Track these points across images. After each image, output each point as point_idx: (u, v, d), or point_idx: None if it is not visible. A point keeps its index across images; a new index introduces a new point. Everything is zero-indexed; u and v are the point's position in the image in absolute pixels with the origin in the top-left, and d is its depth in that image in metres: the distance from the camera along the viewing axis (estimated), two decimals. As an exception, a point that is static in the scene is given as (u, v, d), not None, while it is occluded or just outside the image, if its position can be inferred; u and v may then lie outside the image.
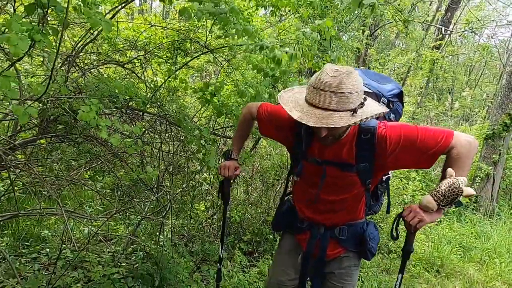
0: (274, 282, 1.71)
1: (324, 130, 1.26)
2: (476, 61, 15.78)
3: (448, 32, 7.30)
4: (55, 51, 1.37)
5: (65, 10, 1.24)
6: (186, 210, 3.91)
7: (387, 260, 3.86)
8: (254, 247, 3.60)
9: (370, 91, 1.52)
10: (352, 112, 1.19)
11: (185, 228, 3.60)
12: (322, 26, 2.63)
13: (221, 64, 3.31)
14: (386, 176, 1.62)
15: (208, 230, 3.78)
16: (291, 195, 1.73)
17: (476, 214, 5.71)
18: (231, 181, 1.81)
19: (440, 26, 7.35)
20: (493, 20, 10.16)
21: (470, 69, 17.59)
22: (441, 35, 7.52)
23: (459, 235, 4.85)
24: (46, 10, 1.27)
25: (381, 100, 1.52)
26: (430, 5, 12.83)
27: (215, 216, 3.96)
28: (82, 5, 1.38)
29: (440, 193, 1.22)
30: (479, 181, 6.08)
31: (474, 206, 5.94)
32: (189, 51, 3.39)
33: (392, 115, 1.58)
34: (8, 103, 1.59)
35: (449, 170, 1.24)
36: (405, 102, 7.64)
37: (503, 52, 10.16)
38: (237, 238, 3.62)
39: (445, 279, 3.78)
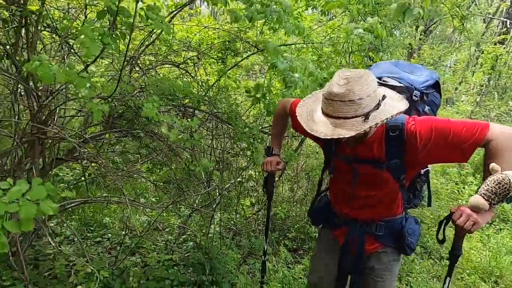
0: (315, 277, 1.74)
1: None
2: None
3: (514, 25, 6.72)
4: (123, 54, 1.52)
5: (133, 16, 1.37)
6: (233, 205, 4.05)
7: (438, 266, 3.69)
8: (299, 244, 3.63)
9: (400, 85, 1.49)
10: (364, 117, 1.20)
11: (232, 222, 3.74)
12: (374, 24, 2.59)
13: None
14: (425, 170, 1.59)
15: (254, 225, 3.88)
16: (328, 191, 1.75)
17: (543, 224, 5.22)
18: (275, 177, 1.86)
19: (505, 20, 6.78)
20: None
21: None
22: (505, 29, 6.93)
23: (522, 245, 4.48)
24: (115, 16, 1.41)
25: (414, 94, 1.48)
26: (493, -4, 11.85)
27: (260, 212, 4.05)
28: (146, 10, 1.51)
29: (490, 191, 1.15)
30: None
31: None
32: (239, 51, 3.50)
33: (427, 108, 1.53)
34: (84, 101, 1.78)
35: (494, 165, 1.17)
36: (463, 101, 7.17)
37: None
38: (281, 235, 3.67)
39: (504, 291, 3.53)
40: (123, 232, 3.03)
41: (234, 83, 3.14)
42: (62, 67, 1.42)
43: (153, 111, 1.62)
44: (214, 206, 2.74)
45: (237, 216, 4.00)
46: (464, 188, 5.04)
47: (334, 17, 4.04)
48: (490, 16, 9.02)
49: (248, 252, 3.24)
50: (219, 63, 3.53)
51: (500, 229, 4.93)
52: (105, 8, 1.52)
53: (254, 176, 4.19)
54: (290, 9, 2.33)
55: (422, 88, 1.51)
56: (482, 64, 6.76)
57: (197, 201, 3.20)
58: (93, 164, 3.08)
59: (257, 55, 3.99)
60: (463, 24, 4.13)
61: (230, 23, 4.10)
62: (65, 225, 3.01)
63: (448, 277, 1.46)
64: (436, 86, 1.57)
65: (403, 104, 1.30)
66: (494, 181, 1.15)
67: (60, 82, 1.37)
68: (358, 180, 1.46)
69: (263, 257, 1.97)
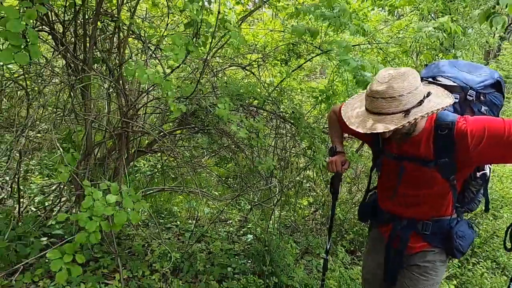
0: (368, 273, 1.77)
1: (385, 131, 1.28)
2: None
3: None
4: (204, 59, 1.70)
5: (215, 26, 1.55)
6: (291, 203, 4.15)
7: (503, 277, 3.40)
8: (357, 246, 3.60)
9: (454, 84, 1.46)
10: (405, 113, 1.22)
11: (290, 219, 3.84)
12: (446, 23, 2.50)
13: (332, 64, 3.41)
14: (481, 172, 1.51)
15: (311, 224, 3.94)
16: (376, 191, 1.76)
17: None
18: (341, 177, 1.89)
19: None
20: None
21: None
22: None
23: None
24: (199, 27, 1.60)
25: (468, 93, 1.44)
26: None
27: (317, 212, 4.09)
28: (224, 22, 1.69)
29: None
30: None
31: None
32: (302, 53, 3.59)
33: (483, 108, 1.47)
34: (165, 100, 2.01)
35: None
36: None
37: None
38: (339, 236, 3.68)
39: None
40: (191, 221, 3.31)
41: (297, 84, 3.23)
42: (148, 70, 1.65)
43: (226, 110, 1.79)
44: (274, 202, 2.86)
45: (295, 214, 4.09)
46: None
47: (401, 17, 3.93)
48: None
49: (306, 250, 3.32)
50: (283, 65, 3.65)
51: None
52: (191, 20, 1.73)
53: (312, 177, 4.24)
54: (346, 13, 2.35)
55: (478, 88, 1.46)
56: None
57: (257, 197, 3.37)
58: (164, 157, 3.41)
59: (319, 57, 4.04)
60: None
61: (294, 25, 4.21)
62: (141, 210, 3.37)
63: (511, 282, 1.39)
64: (496, 86, 1.50)
65: (448, 100, 1.30)
66: None
67: (150, 83, 1.59)
68: (403, 178, 1.47)
69: (325, 255, 1.97)
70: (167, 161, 3.27)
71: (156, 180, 3.84)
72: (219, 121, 2.17)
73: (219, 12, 1.65)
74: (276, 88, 3.11)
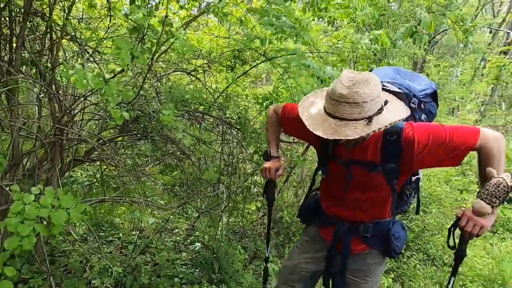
0: (292, 262, 1.73)
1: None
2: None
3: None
4: (147, 64, 1.65)
5: (161, 32, 1.51)
6: (239, 209, 4.15)
7: (441, 272, 3.75)
8: (303, 248, 3.71)
9: (400, 91, 1.50)
10: (367, 120, 1.22)
11: (239, 225, 3.84)
12: (382, 36, 2.70)
13: (277, 72, 3.50)
14: (416, 177, 1.60)
15: (259, 229, 3.97)
16: (319, 191, 1.74)
17: (548, 233, 5.24)
18: (276, 183, 1.76)
19: (508, 31, 6.86)
20: None
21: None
22: (510, 40, 7.00)
23: (525, 254, 4.51)
24: (144, 32, 1.54)
25: (412, 101, 1.51)
26: (500, 5, 11.92)
27: (265, 217, 4.14)
28: (171, 30, 1.66)
29: (491, 194, 1.21)
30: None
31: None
32: (247, 60, 3.63)
33: (423, 116, 1.55)
34: (104, 106, 1.91)
35: (489, 170, 1.24)
36: (467, 110, 7.22)
37: None
38: (287, 239, 3.76)
39: (506, 298, 3.57)
40: (134, 232, 3.15)
41: (242, 90, 3.26)
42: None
43: (171, 117, 1.74)
44: (222, 208, 2.84)
45: (243, 219, 4.10)
46: (467, 196, 5.09)
47: (339, 28, 4.17)
48: (495, 28, 9.09)
49: (254, 254, 3.34)
50: (228, 71, 3.66)
51: (504, 238, 4.97)
52: (137, 25, 1.67)
53: (260, 182, 4.29)
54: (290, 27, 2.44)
55: (420, 96, 1.53)
56: (487, 74, 6.82)
57: (205, 204, 3.32)
58: (104, 166, 3.22)
59: (264, 64, 4.13)
60: (466, 37, 4.23)
61: (239, 32, 4.26)
62: (78, 224, 3.13)
63: (452, 277, 1.48)
64: (433, 95, 1.60)
65: (405, 112, 1.33)
66: (493, 185, 1.21)
67: (88, 88, 1.50)
68: (351, 182, 1.47)
69: (264, 263, 1.91)
70: (107, 170, 3.09)
71: (95, 190, 3.61)
72: (163, 127, 2.11)
73: (166, 16, 1.61)
74: (222, 94, 3.10)
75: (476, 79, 8.41)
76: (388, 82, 1.55)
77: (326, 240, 1.65)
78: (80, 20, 2.99)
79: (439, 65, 8.39)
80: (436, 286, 3.54)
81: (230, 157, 3.21)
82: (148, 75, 2.84)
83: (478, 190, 1.31)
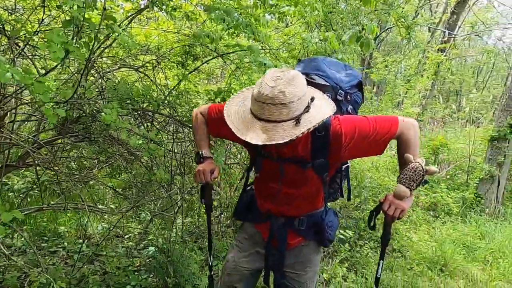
0: (228, 264, 1.69)
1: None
2: (484, 63, 15.73)
3: (453, 35, 7.36)
4: (85, 61, 1.51)
5: (98, 26, 1.38)
6: (195, 209, 4.05)
7: (391, 258, 3.95)
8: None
9: (326, 84, 1.52)
10: (295, 121, 1.20)
11: (194, 225, 3.74)
12: (330, 37, 2.76)
13: (230, 68, 3.45)
14: (345, 166, 1.67)
15: (216, 228, 3.91)
16: (253, 186, 1.72)
17: (482, 215, 5.76)
18: (212, 185, 1.65)
19: (443, 30, 7.41)
20: (496, 23, 10.19)
21: (478, 71, 17.55)
22: (446, 38, 7.58)
23: (463, 235, 4.91)
24: (80, 26, 1.41)
25: (338, 93, 1.53)
26: (437, 7, 12.86)
27: (222, 215, 4.08)
28: (110, 23, 1.53)
29: (409, 179, 1.31)
30: (485, 182, 6.12)
31: (481, 207, 5.98)
32: (199, 56, 3.53)
33: (350, 107, 1.59)
34: (38, 106, 1.74)
35: (407, 156, 1.34)
36: (410, 104, 7.70)
37: (510, 54, 10.15)
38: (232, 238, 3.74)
39: (448, 278, 3.85)
40: (80, 240, 2.94)
41: (194, 87, 3.16)
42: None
43: (113, 116, 1.62)
44: (175, 210, 2.74)
45: (200, 219, 4.01)
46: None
47: (289, 24, 4.21)
48: (433, 27, 9.78)
49: (212, 255, 3.27)
50: (179, 67, 3.54)
51: (445, 222, 5.37)
52: (71, 18, 1.52)
53: (216, 180, 4.22)
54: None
55: (346, 88, 1.55)
56: (426, 70, 7.34)
57: (158, 206, 3.18)
58: (47, 171, 2.96)
59: (217, 60, 4.05)
60: (409, 33, 4.47)
61: (189, 27, 4.13)
62: (16, 235, 2.86)
63: (381, 260, 1.58)
64: (359, 85, 1.63)
65: (332, 108, 1.33)
66: (411, 169, 1.31)
67: (17, 85, 1.34)
68: (284, 179, 1.48)
69: (208, 272, 1.81)
70: (49, 175, 2.84)
71: (34, 198, 3.32)
72: (107, 128, 1.97)
73: (104, 9, 1.49)
74: (173, 91, 2.99)
75: (418, 75, 9.00)
76: (315, 75, 1.55)
77: (263, 236, 1.65)
78: (11, 12, 2.71)
79: (386, 60, 8.88)
80: (386, 271, 3.73)
81: (184, 156, 3.11)
82: (90, 72, 2.66)
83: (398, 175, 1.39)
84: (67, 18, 1.54)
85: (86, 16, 1.53)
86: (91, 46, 1.44)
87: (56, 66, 1.49)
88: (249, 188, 1.75)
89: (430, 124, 9.16)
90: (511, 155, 6.10)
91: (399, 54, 9.42)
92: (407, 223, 4.82)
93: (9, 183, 3.18)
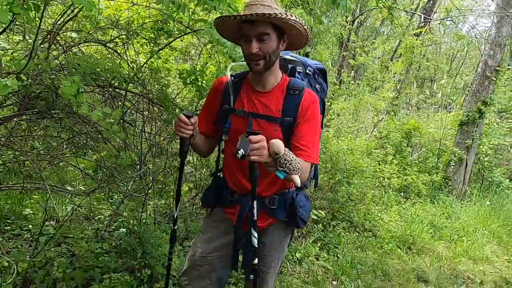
0: (197, 255, 1.65)
1: (255, 45, 1.39)
2: (458, 50, 16.13)
3: (428, 20, 7.45)
4: (36, 26, 1.40)
5: (46, -15, 1.26)
6: (169, 191, 3.99)
7: (363, 237, 4.07)
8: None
9: (296, 60, 1.68)
10: (275, 15, 1.34)
11: (168, 207, 3.69)
12: (301, 15, 2.70)
13: (205, 45, 3.34)
14: None
15: (191, 210, 3.87)
16: (222, 173, 1.68)
17: (449, 197, 6.01)
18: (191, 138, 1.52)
19: (420, 14, 7.49)
20: (470, 9, 10.41)
21: (452, 58, 18.00)
22: (422, 23, 7.67)
23: (431, 215, 5.11)
24: (26, -16, 1.28)
25: (308, 69, 1.67)
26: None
27: (197, 197, 4.04)
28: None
29: (292, 156, 1.29)
30: (453, 164, 6.36)
31: (448, 189, 6.22)
32: (173, 32, 3.39)
33: (318, 86, 1.71)
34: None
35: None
36: (385, 89, 7.82)
37: (482, 42, 10.44)
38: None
39: (415, 255, 4.02)
40: (48, 223, 2.83)
41: (165, 64, 3.04)
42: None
43: (72, 90, 1.52)
44: (146, 191, 2.67)
45: (174, 201, 3.95)
46: (385, 167, 5.56)
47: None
48: (410, 12, 9.86)
49: (185, 236, 3.25)
50: (151, 44, 3.39)
51: (415, 203, 5.57)
52: None
53: (192, 162, 4.15)
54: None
55: (314, 66, 1.71)
56: (401, 54, 7.44)
57: (129, 188, 3.10)
58: (9, 152, 2.81)
59: (191, 37, 3.91)
60: (390, 14, 4.45)
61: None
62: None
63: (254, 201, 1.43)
64: (324, 73, 1.76)
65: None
66: (296, 158, 1.32)
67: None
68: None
69: (172, 225, 1.72)
70: (9, 155, 2.69)
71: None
72: (69, 104, 1.86)
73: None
74: (143, 68, 2.86)
75: (394, 60, 9.12)
76: (286, 55, 1.73)
77: (232, 220, 1.62)
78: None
79: (363, 47, 8.92)
80: (358, 250, 3.84)
81: (156, 136, 3.02)
82: (54, 45, 2.50)
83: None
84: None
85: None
86: (41, 9, 1.31)
87: (3, 31, 1.36)
88: (218, 174, 1.71)
89: (404, 109, 9.36)
90: (478, 138, 6.35)
91: (378, 39, 9.49)
92: (379, 204, 4.96)
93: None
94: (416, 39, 7.04)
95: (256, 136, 1.23)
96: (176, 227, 1.72)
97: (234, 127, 1.54)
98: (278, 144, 1.26)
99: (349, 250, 3.73)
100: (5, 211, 3.12)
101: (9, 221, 2.98)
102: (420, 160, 6.98)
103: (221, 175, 1.69)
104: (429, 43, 10.33)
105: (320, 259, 3.46)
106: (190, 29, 2.94)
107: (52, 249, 2.53)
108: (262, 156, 1.24)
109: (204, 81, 2.82)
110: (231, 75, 1.61)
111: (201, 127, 1.64)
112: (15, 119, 2.00)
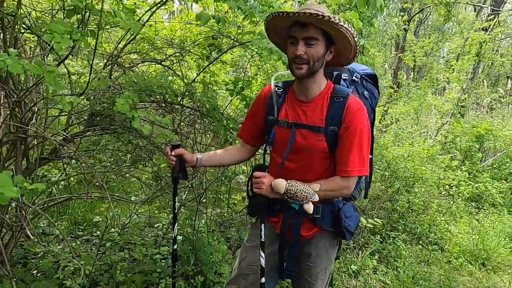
0: (244, 265, 1.65)
1: (302, 48, 1.36)
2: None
3: (497, 11, 6.75)
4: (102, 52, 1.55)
5: (99, 14, 1.41)
6: (223, 200, 4.10)
7: (427, 251, 3.76)
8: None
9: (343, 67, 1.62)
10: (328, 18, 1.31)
11: (223, 216, 3.79)
12: (351, 17, 2.63)
13: (253, 57, 3.42)
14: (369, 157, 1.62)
15: (245, 219, 3.93)
16: None
17: (532, 206, 5.30)
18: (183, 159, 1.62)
19: (487, 7, 6.83)
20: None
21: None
22: (492, 16, 6.97)
23: (509, 227, 4.55)
24: (83, 14, 1.45)
25: (354, 75, 1.58)
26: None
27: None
28: (115, 10, 1.55)
29: (295, 189, 1.38)
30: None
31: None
32: (222, 47, 3.53)
33: (365, 92, 1.61)
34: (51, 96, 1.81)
35: (315, 184, 1.43)
36: (451, 89, 7.22)
37: None
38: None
39: (491, 272, 3.59)
40: (112, 229, 3.09)
41: (215, 78, 3.17)
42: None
43: (125, 106, 1.65)
44: (199, 200, 2.78)
45: (229, 210, 4.05)
46: (455, 174, 5.11)
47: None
48: (479, 4, 9.06)
49: (238, 244, 3.30)
50: (204, 59, 3.56)
51: (489, 213, 5.01)
52: (73, 7, 1.56)
53: (246, 171, 4.23)
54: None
55: (362, 72, 1.63)
56: (469, 51, 6.82)
57: (185, 197, 3.25)
58: (83, 164, 3.13)
59: (241, 51, 4.03)
60: (448, 11, 4.16)
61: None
62: (57, 224, 3.05)
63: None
64: (373, 78, 1.66)
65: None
66: (304, 189, 1.39)
67: (34, 76, 1.40)
68: (293, 147, 1.47)
69: (172, 245, 1.76)
70: (81, 168, 3.00)
71: (75, 189, 3.52)
72: (126, 119, 2.02)
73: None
74: (195, 83, 3.01)
75: (461, 59, 8.41)
76: None
77: (276, 229, 1.60)
78: (38, 11, 2.85)
79: (423, 47, 8.36)
80: (422, 265, 3.55)
81: (206, 147, 3.14)
82: (114, 67, 2.75)
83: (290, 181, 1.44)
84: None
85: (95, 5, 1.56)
86: (96, 34, 1.46)
87: (66, 57, 1.54)
88: None
89: (474, 110, 8.54)
90: None
91: (433, 36, 8.84)
92: (446, 214, 4.55)
93: (49, 175, 3.40)
94: (484, 34, 6.42)
95: (258, 173, 1.45)
96: (175, 246, 1.78)
97: (278, 138, 1.54)
98: (277, 185, 1.40)
99: (411, 264, 3.46)
100: (79, 218, 3.47)
101: (81, 227, 3.31)
102: (494, 166, 6.28)
103: None
104: (501, 37, 9.36)
105: (378, 272, 3.26)
106: (238, 42, 3.04)
107: (117, 254, 2.75)
108: (262, 190, 1.43)
109: (251, 92, 2.88)
110: (276, 85, 1.61)
111: (244, 136, 1.70)
112: (82, 135, 2.23)
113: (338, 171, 1.46)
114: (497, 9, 6.81)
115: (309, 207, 1.39)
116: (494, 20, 6.56)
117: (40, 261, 2.47)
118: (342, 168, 1.45)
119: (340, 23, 1.32)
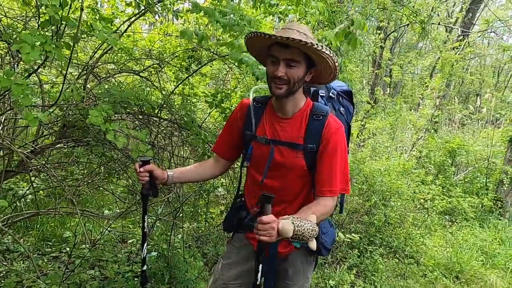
0: (219, 283, 1.61)
1: (282, 69, 1.33)
2: (505, 62, 15.21)
3: (467, 33, 7.11)
4: (75, 63, 1.49)
5: (77, 26, 1.37)
6: (201, 214, 4.01)
7: (403, 265, 3.79)
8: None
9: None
10: (311, 44, 1.30)
11: (200, 230, 3.69)
12: (328, 36, 2.68)
13: (231, 70, 3.42)
14: None
15: (222, 233, 3.85)
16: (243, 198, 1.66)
17: (501, 220, 5.49)
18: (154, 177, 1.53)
19: (457, 28, 7.18)
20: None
21: (498, 71, 16.98)
22: (461, 37, 7.33)
23: (481, 240, 4.68)
24: (58, 25, 1.40)
25: (331, 92, 1.59)
26: (453, 6, 12.53)
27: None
28: (92, 21, 1.51)
29: (302, 229, 1.23)
30: (506, 184, 5.84)
31: (499, 211, 5.71)
32: (202, 59, 3.51)
33: (342, 109, 1.62)
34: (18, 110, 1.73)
35: (312, 216, 1.31)
36: (425, 105, 7.47)
37: (531, 52, 9.75)
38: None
39: (464, 285, 3.66)
40: (83, 245, 2.94)
41: (194, 90, 3.13)
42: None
43: (99, 118, 1.60)
44: (175, 215, 2.71)
45: (206, 224, 3.96)
46: (425, 187, 5.23)
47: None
48: (449, 25, 9.51)
49: (215, 260, 3.22)
50: (183, 71, 3.53)
51: (462, 227, 5.14)
52: (49, 18, 1.50)
53: (225, 185, 4.17)
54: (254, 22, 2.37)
55: (338, 89, 1.64)
56: (441, 70, 7.12)
57: (160, 211, 3.15)
58: (52, 177, 2.99)
59: (220, 64, 4.02)
60: (423, 29, 4.32)
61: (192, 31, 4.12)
62: (22, 240, 2.88)
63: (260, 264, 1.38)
64: (349, 95, 1.69)
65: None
66: (310, 228, 1.24)
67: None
68: (272, 164, 1.45)
69: (141, 266, 1.66)
70: (51, 181, 2.86)
71: (43, 203, 3.35)
72: (100, 132, 1.95)
73: (82, 9, 1.47)
74: (173, 95, 2.97)
75: (434, 76, 8.75)
76: None
77: (253, 245, 1.56)
78: (11, 18, 2.76)
79: (401, 60, 8.65)
80: (398, 278, 3.58)
81: (184, 160, 3.08)
82: (89, 77, 2.67)
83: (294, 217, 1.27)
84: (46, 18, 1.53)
85: (72, 16, 1.51)
86: (71, 47, 1.41)
87: (38, 69, 1.48)
88: (239, 199, 1.69)
89: (447, 126, 8.86)
90: (533, 156, 5.81)
91: (410, 54, 9.20)
92: (421, 228, 4.63)
93: (16, 188, 3.23)
94: (455, 53, 6.72)
95: (267, 217, 1.20)
96: (145, 267, 1.67)
97: (257, 154, 1.51)
98: (285, 231, 1.19)
99: (388, 278, 3.48)
100: (48, 233, 3.29)
101: (50, 243, 3.14)
102: (466, 180, 6.50)
103: (243, 199, 1.67)
104: (471, 56, 9.84)
105: (356, 287, 3.26)
106: (218, 55, 3.03)
107: (86, 272, 2.62)
108: (272, 237, 1.20)
109: (230, 104, 2.86)
110: (254, 99, 1.58)
111: (218, 150, 1.66)
112: (52, 147, 2.13)
113: (321, 191, 1.42)
114: (466, 30, 7.17)
115: (314, 244, 1.28)
116: (465, 41, 6.90)
117: (3, 281, 2.31)
118: (327, 188, 1.42)
119: (323, 50, 1.31)
